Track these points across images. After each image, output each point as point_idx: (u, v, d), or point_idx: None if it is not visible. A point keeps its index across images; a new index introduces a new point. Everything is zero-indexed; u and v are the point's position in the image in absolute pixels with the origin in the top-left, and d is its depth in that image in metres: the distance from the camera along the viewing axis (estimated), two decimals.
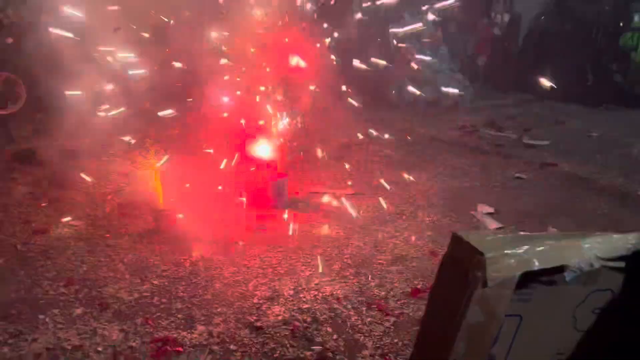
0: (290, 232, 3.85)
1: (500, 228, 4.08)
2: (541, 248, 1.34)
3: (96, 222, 3.86)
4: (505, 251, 1.29)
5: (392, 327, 2.78)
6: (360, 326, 2.79)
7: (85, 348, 2.51)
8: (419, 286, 3.15)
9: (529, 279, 1.29)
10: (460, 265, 1.32)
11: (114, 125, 5.21)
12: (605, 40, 9.31)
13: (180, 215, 3.79)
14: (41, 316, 2.73)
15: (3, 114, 5.78)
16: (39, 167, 4.87)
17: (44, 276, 3.11)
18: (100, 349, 2.51)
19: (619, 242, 1.44)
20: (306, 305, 2.94)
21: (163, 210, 3.77)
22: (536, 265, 1.29)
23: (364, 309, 2.95)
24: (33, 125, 5.75)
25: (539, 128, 7.41)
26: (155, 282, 3.10)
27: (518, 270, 1.27)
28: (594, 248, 1.41)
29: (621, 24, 9.19)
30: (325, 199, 4.52)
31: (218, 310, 2.85)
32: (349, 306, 2.96)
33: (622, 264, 1.40)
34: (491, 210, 4.42)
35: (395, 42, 9.12)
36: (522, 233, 1.44)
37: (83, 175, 4.65)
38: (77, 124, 5.71)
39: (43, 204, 4.13)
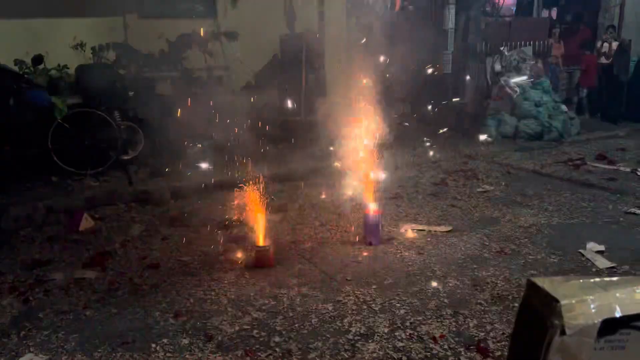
0: (385, 269, 3.85)
1: (612, 268, 3.80)
2: (623, 293, 1.25)
3: (203, 258, 4.12)
4: (583, 297, 1.23)
5: None
6: None
7: None
8: None
9: (616, 325, 1.22)
10: (537, 312, 1.27)
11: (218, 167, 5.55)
12: None
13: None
14: (153, 345, 2.94)
15: (125, 159, 6.40)
16: (154, 206, 5.31)
17: (155, 307, 3.36)
18: None
19: None
20: (401, 344, 2.91)
21: (264, 247, 3.94)
22: (618, 311, 1.21)
23: (462, 349, 2.86)
24: (150, 169, 6.29)
25: None
26: (255, 315, 3.23)
27: (598, 317, 1.21)
28: None
29: None
30: (421, 235, 4.48)
31: (314, 344, 2.91)
32: (446, 346, 2.89)
33: None
34: (602, 248, 4.13)
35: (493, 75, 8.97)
36: (606, 278, 1.35)
37: (192, 214, 5.01)
38: (189, 166, 6.19)
39: (156, 241, 4.48)
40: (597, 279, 1.34)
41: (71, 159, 6.07)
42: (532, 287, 1.32)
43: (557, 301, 1.22)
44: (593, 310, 1.22)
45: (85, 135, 6.14)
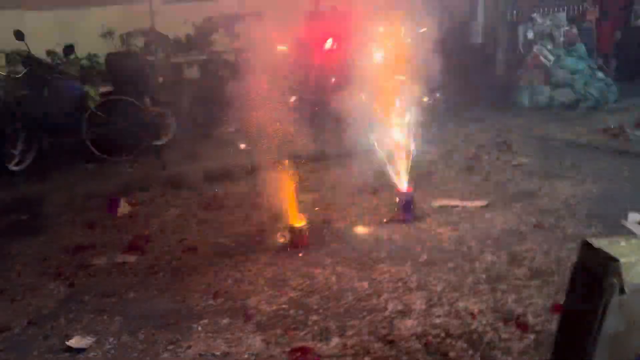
0: (420, 246, 3.82)
1: None
2: None
3: (238, 239, 4.17)
4: None
5: (532, 344, 2.65)
6: (497, 342, 2.69)
7: (232, 356, 2.72)
8: (561, 301, 2.95)
9: None
10: (593, 273, 1.24)
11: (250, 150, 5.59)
12: None
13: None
14: (194, 325, 3.01)
15: (157, 144, 6.49)
16: (188, 190, 5.38)
17: (194, 289, 3.43)
18: (245, 356, 2.71)
19: None
20: (439, 320, 2.91)
21: (299, 227, 3.96)
22: None
23: (501, 324, 2.84)
24: (182, 153, 6.37)
25: None
26: (292, 294, 3.27)
27: None
28: None
29: None
30: (456, 211, 4.43)
31: (351, 322, 2.93)
32: (484, 321, 2.87)
33: None
34: None
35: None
36: None
37: (225, 196, 5.07)
38: (221, 149, 6.24)
39: (192, 224, 4.56)
40: None
41: (105, 146, 6.19)
42: (587, 247, 1.29)
43: (617, 260, 1.19)
44: None
45: (118, 122, 6.24)
